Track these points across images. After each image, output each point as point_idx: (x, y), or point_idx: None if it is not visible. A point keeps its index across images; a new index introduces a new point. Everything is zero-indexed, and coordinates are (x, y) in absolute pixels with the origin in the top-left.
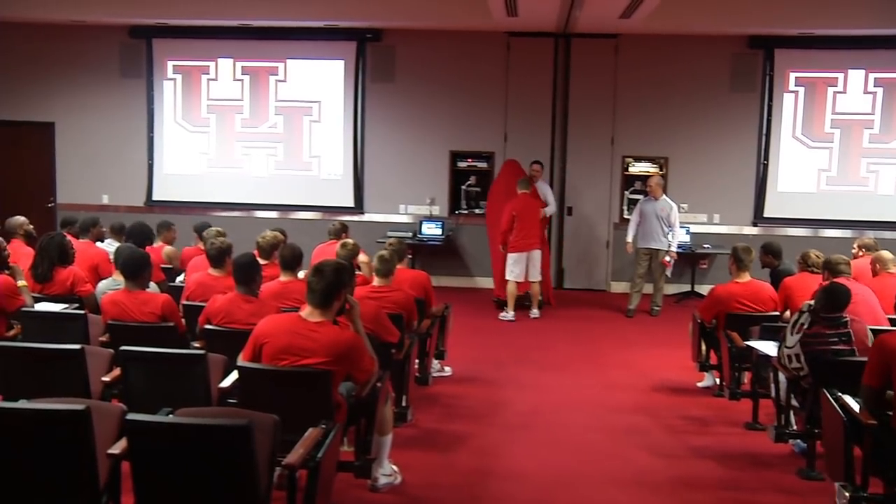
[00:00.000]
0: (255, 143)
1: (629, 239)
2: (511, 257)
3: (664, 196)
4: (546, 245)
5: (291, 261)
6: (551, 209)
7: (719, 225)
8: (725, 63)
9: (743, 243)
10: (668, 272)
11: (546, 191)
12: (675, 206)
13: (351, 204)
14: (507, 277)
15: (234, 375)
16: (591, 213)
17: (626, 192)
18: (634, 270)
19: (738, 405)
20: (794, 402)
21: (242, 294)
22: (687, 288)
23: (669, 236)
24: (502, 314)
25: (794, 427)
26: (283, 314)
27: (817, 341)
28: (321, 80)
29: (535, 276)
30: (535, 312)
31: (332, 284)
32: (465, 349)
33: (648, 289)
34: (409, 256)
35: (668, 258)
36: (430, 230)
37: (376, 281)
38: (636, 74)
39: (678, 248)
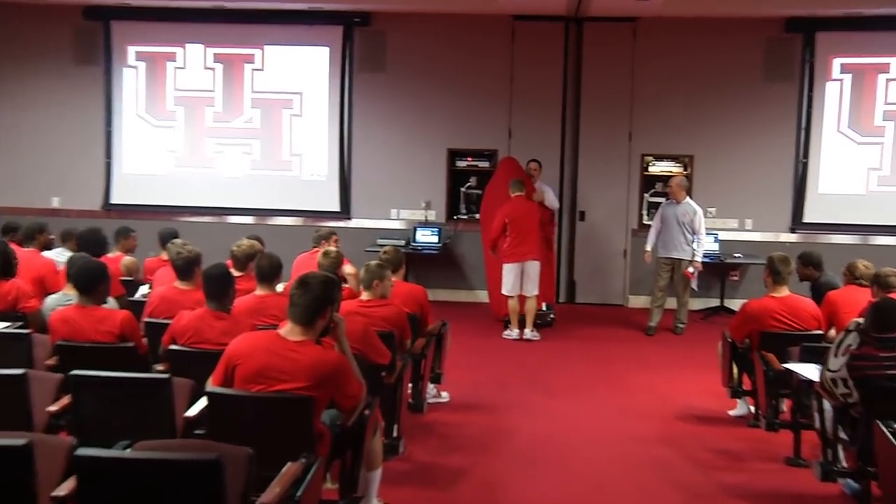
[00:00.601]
0: (228, 139)
1: (648, 247)
2: (505, 268)
3: (687, 199)
4: (550, 254)
5: (269, 272)
6: (553, 204)
7: (752, 231)
8: (759, 49)
9: (780, 252)
10: (694, 284)
11: (546, 190)
12: (699, 210)
13: (336, 208)
14: (504, 292)
15: (203, 402)
16: (606, 219)
17: (646, 195)
18: (654, 283)
19: (776, 437)
20: (842, 435)
21: (213, 310)
22: (716, 303)
23: (694, 244)
24: (506, 332)
25: (844, 464)
26: (259, 332)
27: (868, 364)
28: (303, 69)
29: (531, 290)
30: (530, 334)
31: (319, 299)
32: (464, 371)
33: (671, 303)
34: None
35: (691, 269)
36: (426, 238)
37: (365, 294)
38: (657, 63)
39: (704, 257)
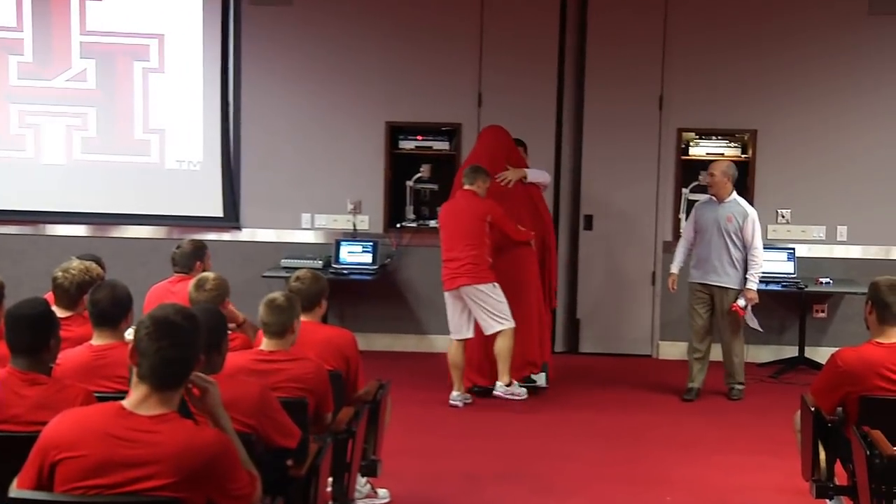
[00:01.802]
0: (45, 106)
1: (674, 269)
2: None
3: (734, 195)
4: (529, 271)
5: (112, 311)
6: (540, 178)
7: (847, 244)
8: None
9: (890, 277)
10: (754, 324)
11: (534, 175)
12: (752, 211)
13: (218, 212)
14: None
15: None
16: (625, 227)
17: (685, 190)
18: (690, 323)
19: None
20: None
21: (22, 370)
22: (793, 352)
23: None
24: (453, 395)
25: None
26: (94, 406)
27: None
28: None
29: (491, 327)
30: (501, 389)
31: (187, 346)
32: (413, 458)
33: (719, 354)
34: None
35: (741, 302)
36: (355, 256)
37: (266, 343)
38: None
39: (768, 283)
